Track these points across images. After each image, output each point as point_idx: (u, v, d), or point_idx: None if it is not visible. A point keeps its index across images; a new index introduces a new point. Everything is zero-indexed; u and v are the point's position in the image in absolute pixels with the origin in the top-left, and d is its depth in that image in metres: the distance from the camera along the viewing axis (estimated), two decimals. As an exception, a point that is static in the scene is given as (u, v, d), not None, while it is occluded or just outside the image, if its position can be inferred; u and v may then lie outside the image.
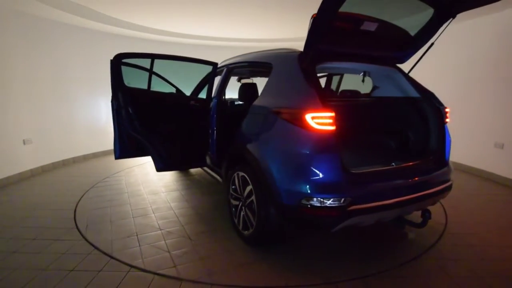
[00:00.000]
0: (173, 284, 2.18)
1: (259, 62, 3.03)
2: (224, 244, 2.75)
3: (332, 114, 2.09)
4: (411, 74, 3.40)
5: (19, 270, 2.33)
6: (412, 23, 2.68)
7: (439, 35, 2.75)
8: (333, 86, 4.31)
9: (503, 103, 4.69)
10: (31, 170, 4.94)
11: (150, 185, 4.45)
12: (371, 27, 2.49)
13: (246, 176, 2.61)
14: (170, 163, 3.29)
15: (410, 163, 2.54)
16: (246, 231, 2.71)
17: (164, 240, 2.82)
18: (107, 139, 6.55)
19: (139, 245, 2.74)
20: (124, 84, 2.99)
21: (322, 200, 2.05)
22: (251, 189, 2.57)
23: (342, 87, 4.19)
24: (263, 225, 2.47)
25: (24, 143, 4.83)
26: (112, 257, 2.52)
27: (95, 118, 6.39)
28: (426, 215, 2.57)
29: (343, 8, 2.09)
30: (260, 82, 4.37)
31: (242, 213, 2.76)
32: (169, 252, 2.63)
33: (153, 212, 3.49)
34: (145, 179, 4.78)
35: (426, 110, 2.80)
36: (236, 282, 2.22)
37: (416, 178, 2.41)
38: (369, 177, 2.25)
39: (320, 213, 2.07)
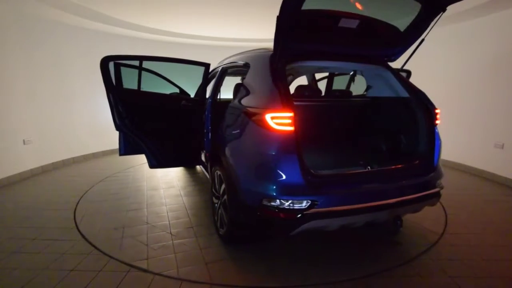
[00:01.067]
0: (173, 284, 2.18)
1: (242, 62, 2.98)
2: (203, 241, 2.81)
3: (291, 114, 2.05)
4: (413, 74, 3.39)
5: (19, 270, 2.33)
6: (400, 19, 2.55)
7: (429, 31, 2.61)
8: (338, 86, 4.28)
9: (503, 103, 4.70)
10: (31, 170, 4.94)
11: (151, 182, 4.46)
12: (351, 24, 2.40)
13: (221, 175, 2.64)
14: (162, 160, 3.37)
15: (389, 167, 2.44)
16: (222, 229, 2.74)
17: (147, 234, 2.92)
18: (107, 139, 6.54)
19: (122, 237, 2.87)
20: (113, 85, 3.05)
21: (280, 201, 2.01)
22: (224, 188, 2.59)
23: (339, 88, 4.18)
24: (233, 224, 2.50)
25: (24, 143, 4.83)
26: (112, 257, 2.52)
27: (95, 118, 6.39)
28: (398, 223, 2.45)
29: (319, 6, 2.12)
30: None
31: (219, 211, 2.78)
32: (147, 245, 2.73)
33: (146, 207, 3.60)
34: (142, 179, 4.78)
35: (415, 111, 2.63)
36: (197, 277, 2.26)
37: (393, 183, 2.30)
38: (335, 180, 2.19)
39: (278, 215, 2.03)
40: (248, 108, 2.38)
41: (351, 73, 3.68)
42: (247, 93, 2.58)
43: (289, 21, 2.12)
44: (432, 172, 2.47)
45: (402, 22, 2.57)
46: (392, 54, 2.87)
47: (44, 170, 5.21)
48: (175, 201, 3.83)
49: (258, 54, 2.73)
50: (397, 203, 2.24)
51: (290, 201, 2.00)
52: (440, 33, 5.72)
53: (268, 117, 2.09)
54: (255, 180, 2.19)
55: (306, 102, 3.09)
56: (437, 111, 2.59)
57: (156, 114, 3.26)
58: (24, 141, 4.83)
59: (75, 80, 5.85)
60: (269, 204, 2.05)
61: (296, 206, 2.01)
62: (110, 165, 5.68)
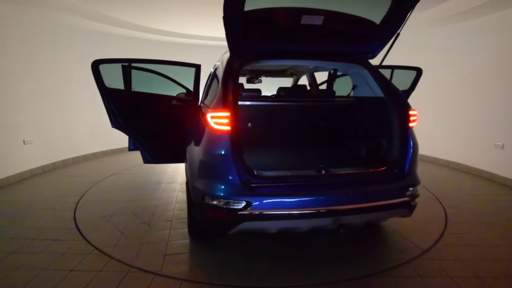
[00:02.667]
0: (173, 284, 2.18)
1: (218, 63, 2.99)
2: (174, 234, 2.93)
3: (227, 114, 2.06)
4: (425, 73, 3.33)
5: (19, 270, 2.33)
6: (374, 12, 2.36)
7: (404, 24, 2.40)
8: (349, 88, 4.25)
9: (503, 103, 4.70)
10: (31, 170, 4.94)
11: (150, 179, 4.46)
12: (315, 20, 2.31)
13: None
14: (155, 156, 3.49)
15: (346, 172, 2.33)
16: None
17: (127, 223, 3.15)
18: (107, 139, 6.54)
19: (105, 223, 3.15)
20: (105, 86, 3.16)
21: (217, 200, 2.03)
22: None
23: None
24: (189, 220, 2.59)
25: (24, 143, 4.83)
26: (112, 257, 2.52)
27: (95, 118, 6.38)
28: (340, 231, 2.16)
29: (272, 4, 2.11)
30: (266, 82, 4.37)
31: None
32: (122, 232, 2.95)
33: (139, 200, 3.81)
34: (143, 176, 4.78)
35: (389, 112, 2.46)
36: (147, 267, 2.38)
37: (345, 189, 2.19)
38: (277, 182, 2.13)
39: (216, 214, 2.05)
40: (203, 108, 2.46)
41: (331, 72, 3.64)
42: (209, 93, 2.63)
43: (236, 21, 2.14)
44: (400, 179, 2.27)
45: (376, 15, 2.37)
46: (369, 51, 2.69)
47: (44, 170, 5.21)
48: (170, 195, 3.95)
49: (224, 55, 2.77)
50: (344, 211, 2.09)
51: (225, 201, 2.01)
52: (440, 33, 5.72)
53: (209, 116, 2.14)
54: (198, 177, 2.23)
55: (264, 102, 3.08)
56: (412, 112, 2.38)
57: (147, 113, 3.33)
58: (24, 141, 4.83)
59: (75, 80, 5.84)
60: (208, 202, 2.08)
61: (232, 206, 2.01)
62: (110, 165, 5.68)
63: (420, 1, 2.18)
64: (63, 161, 5.67)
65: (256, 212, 2.01)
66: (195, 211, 2.43)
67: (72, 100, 5.86)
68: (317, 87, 4.58)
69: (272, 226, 2.12)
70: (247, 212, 1.99)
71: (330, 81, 3.79)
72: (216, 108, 2.15)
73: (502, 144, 4.69)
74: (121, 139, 6.39)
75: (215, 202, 2.05)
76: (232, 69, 2.37)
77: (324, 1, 2.21)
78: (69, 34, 5.66)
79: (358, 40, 2.64)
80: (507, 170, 4.60)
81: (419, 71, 3.57)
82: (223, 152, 2.05)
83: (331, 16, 2.31)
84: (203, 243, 2.76)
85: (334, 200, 2.12)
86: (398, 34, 2.49)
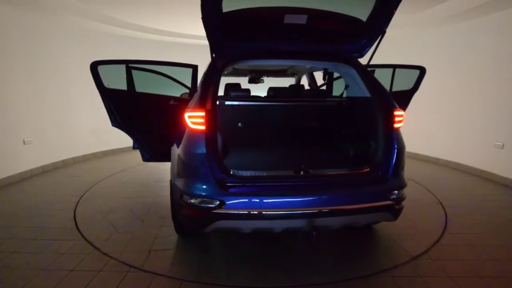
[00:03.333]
0: (173, 284, 2.18)
1: None
2: (164, 231, 2.98)
3: (203, 113, 2.10)
4: (430, 73, 3.26)
5: (19, 270, 2.33)
6: (359, 10, 2.30)
7: (391, 19, 2.32)
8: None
9: (503, 103, 4.69)
10: (31, 170, 4.94)
11: (153, 177, 4.46)
12: (299, 19, 2.30)
13: None
14: (153, 155, 3.52)
15: (326, 173, 2.30)
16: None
17: (122, 219, 3.25)
18: (107, 139, 6.54)
19: (101, 219, 3.26)
20: (103, 86, 3.23)
21: (194, 198, 2.06)
22: None
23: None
24: (173, 217, 2.63)
25: (24, 143, 4.83)
26: (112, 257, 2.51)
27: (95, 118, 6.37)
28: (313, 233, 2.09)
29: (258, 4, 2.12)
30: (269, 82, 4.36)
31: None
32: (115, 228, 3.05)
33: (138, 197, 3.88)
34: (144, 175, 4.78)
35: (375, 113, 2.41)
36: (130, 261, 2.45)
37: (323, 191, 2.14)
38: (252, 181, 2.13)
39: (192, 212, 2.09)
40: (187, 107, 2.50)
41: (323, 71, 3.67)
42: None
43: (215, 23, 2.20)
44: (383, 182, 2.21)
45: (362, 13, 2.31)
46: (357, 50, 2.63)
47: (44, 170, 5.20)
48: (168, 193, 3.93)
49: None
50: (320, 213, 2.07)
51: (200, 199, 2.04)
52: (440, 32, 5.72)
53: (186, 116, 2.18)
54: (177, 176, 2.26)
55: (251, 102, 3.09)
56: (397, 113, 2.32)
57: (145, 112, 3.36)
58: (24, 141, 4.82)
59: (75, 80, 5.84)
60: (186, 200, 2.11)
61: (206, 205, 2.03)
62: (111, 165, 5.68)
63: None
64: (63, 161, 5.67)
65: (229, 212, 2.02)
66: (175, 209, 2.48)
67: (72, 100, 5.86)
68: (317, 87, 4.58)
69: (246, 226, 2.12)
70: (221, 211, 2.01)
71: (330, 81, 3.78)
72: (193, 108, 2.19)
73: (502, 144, 4.69)
74: (121, 139, 6.39)
75: (191, 201, 2.08)
76: (213, 69, 2.40)
77: (307, 0, 2.19)
78: (69, 34, 5.66)
79: (345, 39, 2.60)
80: (507, 170, 4.60)
81: (422, 70, 3.47)
82: (198, 151, 2.08)
83: (315, 15, 2.30)
84: (191, 240, 2.80)
85: (310, 201, 2.09)
86: (384, 32, 2.43)
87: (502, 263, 2.48)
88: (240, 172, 2.21)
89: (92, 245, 2.71)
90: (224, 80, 3.88)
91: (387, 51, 6.49)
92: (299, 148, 3.18)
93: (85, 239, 2.82)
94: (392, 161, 2.25)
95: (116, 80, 3.30)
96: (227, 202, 2.01)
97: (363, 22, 2.38)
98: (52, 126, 5.41)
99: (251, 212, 2.04)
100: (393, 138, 2.27)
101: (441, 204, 3.73)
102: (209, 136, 2.09)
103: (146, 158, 3.52)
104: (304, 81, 4.80)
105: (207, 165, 2.06)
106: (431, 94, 5.87)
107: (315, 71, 4.16)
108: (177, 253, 2.62)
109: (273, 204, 2.06)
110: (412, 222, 3.21)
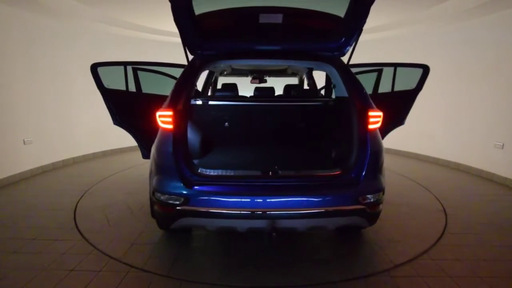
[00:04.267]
0: (173, 284, 2.18)
1: None
2: (151, 226, 2.96)
3: (171, 113, 2.16)
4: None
5: (19, 270, 2.33)
6: (335, 7, 2.24)
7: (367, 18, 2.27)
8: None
9: (503, 103, 4.70)
10: (31, 170, 4.94)
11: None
12: (275, 19, 2.29)
13: None
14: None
15: (294, 174, 2.28)
16: None
17: (118, 214, 3.37)
18: (107, 139, 6.54)
19: (98, 214, 3.39)
20: (103, 86, 3.34)
21: (163, 195, 2.13)
22: None
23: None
24: (151, 213, 2.66)
25: (24, 143, 4.82)
26: (112, 257, 2.52)
27: (95, 118, 6.37)
28: (273, 234, 2.11)
29: (230, 5, 2.16)
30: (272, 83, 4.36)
31: None
32: (108, 222, 3.19)
33: (137, 194, 3.99)
34: (142, 176, 4.77)
35: (351, 113, 2.35)
36: (110, 252, 2.57)
37: (287, 192, 2.11)
38: (216, 180, 2.16)
39: (161, 208, 2.16)
40: None
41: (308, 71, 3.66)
42: None
43: (188, 25, 2.27)
44: (354, 185, 2.14)
45: (338, 10, 2.25)
46: (337, 48, 2.56)
47: (44, 170, 5.20)
48: None
49: None
50: (282, 215, 2.06)
51: (167, 196, 2.10)
52: (439, 33, 5.72)
53: (157, 115, 2.24)
54: (150, 173, 2.33)
55: (232, 102, 3.14)
56: (372, 113, 2.23)
57: (142, 111, 3.40)
58: (24, 141, 4.82)
59: (75, 80, 5.84)
60: (156, 197, 2.17)
61: (172, 201, 2.09)
62: (111, 165, 5.68)
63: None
64: (63, 161, 5.67)
65: (193, 209, 2.08)
66: (151, 205, 2.55)
67: (72, 100, 5.86)
68: (315, 87, 4.56)
69: (210, 224, 2.18)
70: (185, 208, 2.07)
71: (329, 82, 3.78)
72: (163, 107, 2.25)
73: (502, 144, 4.69)
74: (121, 139, 6.40)
75: (160, 197, 2.14)
76: (188, 70, 2.47)
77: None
78: (69, 34, 5.66)
79: (324, 37, 2.54)
80: (507, 170, 4.60)
81: (425, 69, 3.31)
82: (166, 150, 2.16)
83: (291, 13, 2.29)
84: (175, 235, 2.85)
85: (272, 202, 2.07)
86: (361, 30, 2.38)
87: (502, 263, 2.48)
88: (207, 170, 2.26)
89: (92, 245, 2.71)
90: (224, 80, 3.91)
91: (387, 50, 6.50)
92: (279, 148, 3.19)
93: (85, 239, 2.82)
94: (365, 164, 2.16)
95: (116, 80, 3.42)
96: (191, 200, 2.06)
97: (341, 19, 2.32)
98: (52, 126, 5.41)
99: (214, 211, 2.07)
100: (367, 140, 2.18)
101: (441, 204, 3.73)
102: (177, 135, 2.16)
103: (145, 155, 3.58)
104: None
105: (173, 163, 2.13)
106: (431, 94, 5.87)
107: (313, 70, 4.16)
108: (157, 247, 2.69)
109: (235, 203, 2.07)
110: (412, 222, 3.21)
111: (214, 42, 2.54)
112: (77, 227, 3.06)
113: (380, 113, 2.27)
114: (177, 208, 2.07)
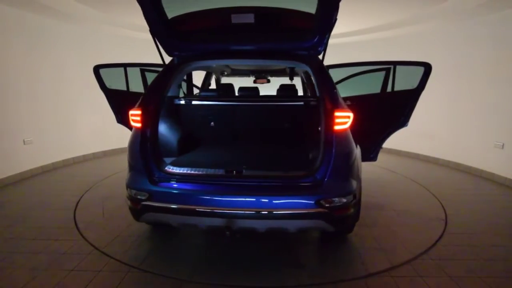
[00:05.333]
0: (173, 284, 2.18)
1: None
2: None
3: (139, 112, 2.27)
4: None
5: (19, 270, 2.33)
6: (304, 4, 2.18)
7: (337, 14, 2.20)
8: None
9: (503, 103, 4.70)
10: (31, 170, 4.94)
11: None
12: (247, 18, 2.30)
13: None
14: None
15: (256, 174, 2.27)
16: None
17: (114, 208, 3.51)
18: (107, 139, 6.54)
19: (95, 207, 3.54)
20: (105, 86, 3.47)
21: (131, 190, 2.23)
22: None
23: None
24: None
25: (24, 143, 4.83)
26: (112, 257, 2.52)
27: (96, 118, 6.38)
28: (226, 233, 2.09)
29: (201, 7, 2.22)
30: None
31: None
32: (103, 215, 3.35)
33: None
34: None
35: (320, 113, 2.30)
36: (95, 242, 2.72)
37: (248, 192, 2.11)
38: (182, 178, 2.22)
39: (130, 203, 2.27)
40: None
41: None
42: None
43: (162, 30, 2.38)
44: (317, 188, 2.08)
45: (308, 7, 2.18)
46: (312, 47, 2.48)
47: (44, 170, 5.20)
48: None
49: None
50: (239, 214, 2.06)
51: (134, 191, 2.20)
52: (439, 32, 5.72)
53: (130, 113, 2.34)
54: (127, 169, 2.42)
55: (213, 102, 3.20)
56: (338, 114, 2.14)
57: None
58: (24, 141, 4.82)
59: (75, 80, 5.84)
60: (128, 192, 2.27)
61: (138, 197, 2.18)
62: (111, 165, 5.68)
63: None
64: (63, 161, 5.67)
65: (155, 205, 2.15)
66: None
67: (72, 100, 5.86)
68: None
69: (172, 220, 2.25)
70: (149, 203, 2.15)
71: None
72: (135, 107, 2.34)
73: (502, 144, 4.69)
74: (121, 139, 6.39)
75: (130, 192, 2.24)
76: (164, 71, 2.56)
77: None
78: (70, 34, 5.66)
79: (297, 35, 2.49)
80: (507, 170, 4.60)
81: (427, 67, 3.13)
82: (134, 147, 2.27)
83: (262, 12, 2.29)
84: (161, 231, 2.93)
85: (232, 202, 2.08)
86: (332, 26, 2.30)
87: (502, 263, 2.48)
88: (174, 168, 2.33)
89: (92, 245, 2.71)
90: (224, 81, 3.91)
91: (386, 50, 6.50)
92: (257, 148, 3.20)
93: (85, 239, 2.82)
94: (330, 166, 2.09)
95: (116, 81, 3.53)
96: (154, 196, 2.14)
97: (312, 16, 2.27)
98: (52, 126, 5.41)
99: (174, 207, 2.13)
100: (333, 141, 2.11)
101: (441, 204, 3.73)
102: (144, 133, 2.26)
103: None
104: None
105: (140, 160, 2.23)
106: (431, 94, 5.87)
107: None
108: (138, 240, 2.79)
109: (195, 201, 2.11)
110: (412, 222, 3.22)
111: (190, 44, 2.60)
112: (77, 227, 3.06)
113: (349, 114, 2.18)
114: (142, 203, 2.16)
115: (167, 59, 2.71)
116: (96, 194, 4.05)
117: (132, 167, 2.30)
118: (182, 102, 3.10)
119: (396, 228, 3.08)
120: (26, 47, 4.87)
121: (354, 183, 2.18)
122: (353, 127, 2.25)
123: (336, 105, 2.18)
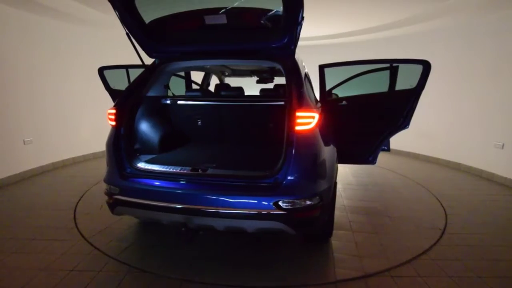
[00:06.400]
0: (173, 284, 2.18)
1: None
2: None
3: (113, 111, 2.39)
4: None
5: (19, 270, 2.33)
6: (274, 2, 2.12)
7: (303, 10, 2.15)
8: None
9: (503, 103, 4.70)
10: (31, 170, 4.93)
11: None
12: (219, 19, 2.34)
13: None
14: None
15: (218, 173, 2.28)
16: None
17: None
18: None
19: (94, 200, 3.69)
20: (110, 87, 3.59)
21: (106, 184, 2.38)
22: None
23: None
24: None
25: (24, 143, 4.82)
26: (111, 257, 2.52)
27: (96, 118, 6.38)
28: (182, 229, 2.18)
29: (175, 10, 2.32)
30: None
31: None
32: (100, 208, 3.43)
33: None
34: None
35: (285, 113, 2.24)
36: (84, 233, 2.89)
37: (207, 190, 2.13)
38: (147, 175, 2.32)
39: (106, 196, 2.40)
40: None
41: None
42: None
43: (140, 34, 2.51)
44: (274, 189, 2.04)
45: (276, 6, 2.15)
46: (284, 46, 2.43)
47: (44, 170, 5.20)
48: None
49: None
50: (198, 212, 2.10)
51: (108, 185, 2.35)
52: (439, 31, 5.72)
53: (107, 113, 2.46)
54: None
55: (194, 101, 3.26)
56: (300, 114, 2.07)
57: None
58: (24, 141, 4.82)
59: (75, 80, 5.84)
60: (105, 186, 2.41)
61: (111, 191, 2.33)
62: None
63: None
64: (63, 161, 5.67)
65: (124, 199, 2.28)
66: None
67: (72, 100, 5.86)
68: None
69: (139, 214, 2.40)
70: (118, 197, 2.29)
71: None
72: (112, 106, 2.48)
73: (502, 144, 4.69)
74: (121, 139, 6.38)
75: (106, 187, 2.38)
76: (144, 73, 2.67)
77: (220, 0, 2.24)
78: (70, 34, 5.66)
79: (269, 34, 2.45)
80: (507, 170, 4.60)
81: (426, 65, 2.98)
82: (109, 144, 2.40)
83: (234, 13, 2.31)
84: (161, 231, 2.95)
85: (191, 199, 2.13)
86: (300, 24, 2.25)
87: (502, 263, 2.48)
88: (146, 165, 2.43)
89: (92, 245, 2.71)
90: (227, 81, 3.94)
91: (387, 50, 6.50)
92: (230, 147, 3.27)
93: (85, 239, 2.82)
94: (289, 167, 2.04)
95: (119, 81, 3.65)
96: (124, 190, 2.27)
97: (281, 15, 2.25)
98: (52, 126, 5.41)
99: (140, 202, 2.23)
100: (293, 142, 2.05)
101: (441, 204, 3.73)
102: (118, 131, 2.39)
103: None
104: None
105: (112, 156, 2.36)
106: (431, 93, 5.87)
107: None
108: (123, 233, 2.91)
109: (158, 197, 2.20)
110: (411, 223, 3.21)
111: (167, 46, 2.69)
112: (77, 227, 3.06)
113: (313, 114, 2.11)
114: (114, 197, 2.30)
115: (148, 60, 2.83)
116: (96, 194, 4.05)
117: (107, 163, 2.43)
118: (168, 102, 3.20)
119: (392, 229, 3.07)
120: (26, 47, 4.86)
121: (320, 185, 2.14)
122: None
123: (300, 105, 2.11)
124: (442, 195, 4.04)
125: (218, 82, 4.87)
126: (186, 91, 3.36)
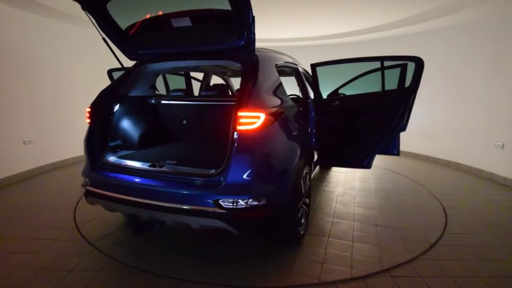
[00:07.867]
0: (173, 284, 2.18)
1: None
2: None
3: (89, 110, 2.63)
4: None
5: (19, 270, 2.33)
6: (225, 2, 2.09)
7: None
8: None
9: (503, 103, 4.70)
10: (31, 170, 4.93)
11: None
12: (184, 22, 2.42)
13: None
14: None
15: (172, 170, 2.32)
16: None
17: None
18: (107, 139, 6.54)
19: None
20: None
21: (82, 176, 2.55)
22: None
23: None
24: None
25: (24, 143, 4.82)
26: (111, 257, 2.52)
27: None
28: (130, 221, 2.61)
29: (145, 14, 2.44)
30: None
31: None
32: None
33: None
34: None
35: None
36: (80, 228, 2.98)
37: (165, 186, 2.21)
38: (114, 168, 2.48)
39: (82, 187, 2.54)
40: None
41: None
42: None
43: (117, 39, 2.71)
44: (215, 187, 2.06)
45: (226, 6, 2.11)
46: (243, 46, 2.39)
47: (44, 170, 5.20)
48: None
49: None
50: (148, 206, 2.20)
51: (83, 178, 2.54)
52: (439, 31, 5.72)
53: (85, 111, 2.68)
54: None
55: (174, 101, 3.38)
56: (241, 113, 2.05)
57: None
58: (24, 141, 4.82)
59: (75, 80, 5.84)
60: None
61: (85, 183, 2.51)
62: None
63: None
64: (63, 161, 5.67)
65: (92, 189, 2.45)
66: None
67: (72, 100, 5.86)
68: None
69: (103, 204, 2.51)
70: (89, 189, 2.46)
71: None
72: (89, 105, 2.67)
73: (502, 144, 4.70)
74: (121, 139, 6.39)
75: (83, 179, 2.55)
76: (124, 74, 2.84)
77: (178, 2, 2.32)
78: (70, 34, 5.66)
79: (227, 36, 2.44)
80: (507, 170, 4.61)
81: (418, 63, 2.86)
82: (84, 140, 2.59)
83: (195, 15, 2.38)
84: (161, 232, 2.95)
85: (144, 193, 2.24)
86: (252, 22, 2.18)
87: (502, 263, 2.48)
88: (116, 160, 2.58)
89: (92, 245, 2.71)
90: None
91: (386, 49, 6.50)
92: (195, 146, 3.38)
93: (85, 239, 2.82)
94: (231, 166, 2.04)
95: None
96: (93, 182, 2.45)
97: (234, 15, 2.20)
98: (52, 126, 5.40)
99: (104, 193, 2.39)
100: (234, 141, 2.04)
101: (441, 204, 3.73)
102: (92, 127, 2.59)
103: None
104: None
105: (87, 151, 2.55)
106: (431, 93, 5.87)
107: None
108: (123, 233, 2.95)
109: (116, 189, 2.35)
110: (411, 222, 3.21)
111: (142, 49, 2.84)
112: (77, 227, 3.06)
113: (258, 114, 2.08)
114: (85, 187, 2.49)
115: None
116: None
117: (85, 157, 2.60)
118: (152, 101, 3.36)
119: (392, 229, 3.07)
120: (26, 47, 4.86)
121: (266, 187, 2.12)
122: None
123: (245, 105, 2.08)
124: (442, 195, 4.04)
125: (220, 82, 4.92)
126: (170, 91, 3.48)
